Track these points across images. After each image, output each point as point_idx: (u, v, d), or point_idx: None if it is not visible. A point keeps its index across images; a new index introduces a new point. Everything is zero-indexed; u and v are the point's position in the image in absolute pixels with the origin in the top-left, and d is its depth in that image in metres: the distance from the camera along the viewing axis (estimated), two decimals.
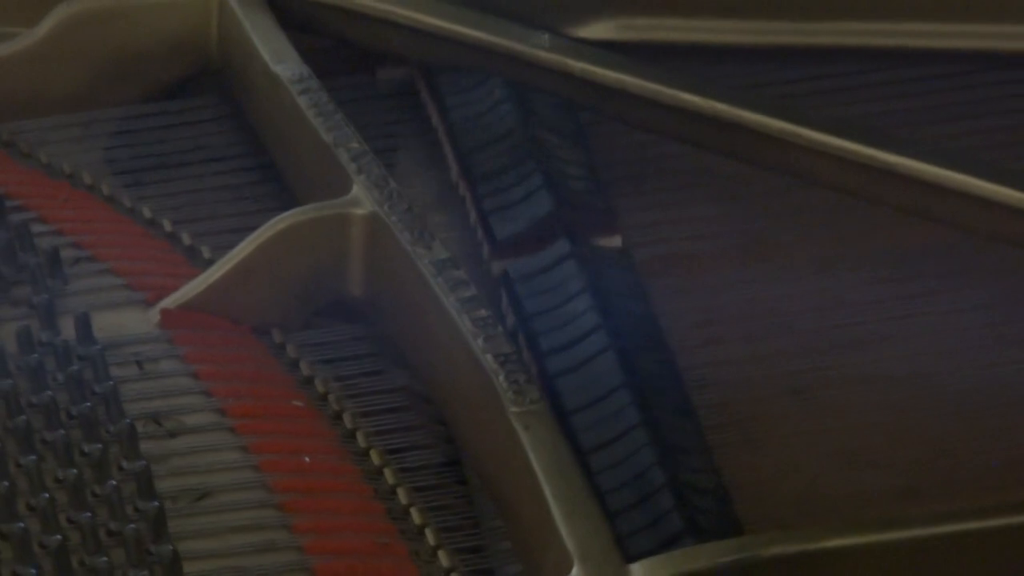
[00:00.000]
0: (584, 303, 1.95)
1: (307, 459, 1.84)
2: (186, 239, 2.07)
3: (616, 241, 2.05)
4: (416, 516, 1.80)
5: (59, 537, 1.72)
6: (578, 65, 2.12)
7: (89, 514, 1.74)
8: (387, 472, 1.84)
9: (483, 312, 1.85)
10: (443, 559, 1.76)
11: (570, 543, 1.65)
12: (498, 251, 2.04)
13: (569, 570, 1.63)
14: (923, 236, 2.05)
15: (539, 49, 2.14)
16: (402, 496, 1.82)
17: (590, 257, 2.01)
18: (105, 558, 1.71)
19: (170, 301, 1.97)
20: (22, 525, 1.73)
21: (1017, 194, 1.96)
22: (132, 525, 1.73)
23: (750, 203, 2.11)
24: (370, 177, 1.99)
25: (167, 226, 2.09)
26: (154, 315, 1.97)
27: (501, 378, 1.78)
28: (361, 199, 1.97)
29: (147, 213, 2.10)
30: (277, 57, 2.15)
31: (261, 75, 2.15)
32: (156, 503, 1.76)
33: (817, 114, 2.09)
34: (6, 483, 1.77)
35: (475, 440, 1.82)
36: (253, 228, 2.01)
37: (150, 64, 2.25)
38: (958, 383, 1.94)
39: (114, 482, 1.77)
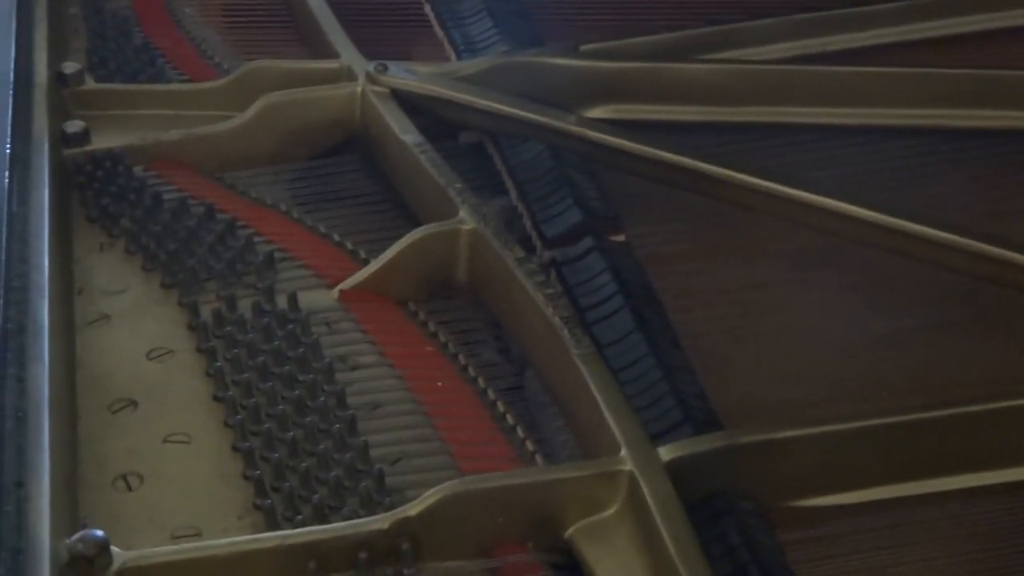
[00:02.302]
0: (606, 278, 1.95)
1: (440, 383, 1.86)
2: (349, 245, 2.07)
3: (622, 237, 2.06)
4: (510, 419, 1.81)
5: (291, 434, 1.74)
6: (594, 135, 2.14)
7: (309, 419, 1.76)
8: (489, 391, 1.85)
9: (551, 290, 1.87)
10: (529, 445, 1.77)
11: (618, 434, 1.66)
12: (548, 245, 2.03)
13: (619, 451, 1.65)
14: (812, 239, 2.06)
15: (569, 124, 2.15)
16: (500, 406, 1.82)
17: (606, 248, 2.01)
18: (321, 446, 1.72)
19: (345, 284, 1.97)
20: (266, 426, 1.74)
21: (873, 214, 2.00)
22: (337, 425, 1.75)
23: (701, 220, 2.12)
24: (470, 205, 2.00)
25: (336, 237, 2.09)
26: (335, 293, 1.97)
27: (565, 332, 1.80)
28: (466, 219, 1.98)
29: (322, 229, 2.10)
30: (403, 130, 2.15)
31: (394, 141, 2.15)
32: (350, 412, 1.77)
33: (743, 162, 2.11)
34: (252, 400, 1.78)
35: (551, 371, 1.83)
36: (389, 239, 2.01)
37: (317, 134, 2.24)
38: (834, 331, 1.96)
39: (322, 399, 1.79)
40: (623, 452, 1.64)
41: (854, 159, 2.24)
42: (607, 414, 1.69)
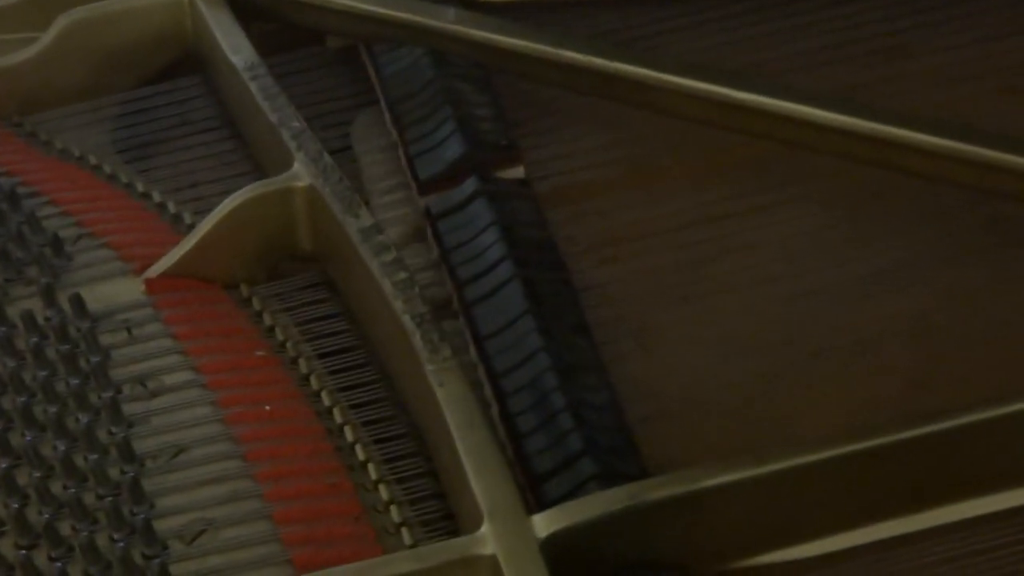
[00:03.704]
0: (492, 236, 1.44)
1: (268, 407, 1.36)
2: (172, 207, 1.56)
3: (519, 172, 1.53)
4: (360, 452, 1.31)
5: (46, 516, 1.25)
6: (478, 33, 1.59)
7: (72, 490, 1.27)
8: (336, 411, 1.35)
9: (402, 275, 1.35)
10: (384, 492, 1.28)
11: (480, 498, 1.17)
12: (422, 189, 1.52)
13: (479, 525, 1.16)
14: (778, 150, 1.53)
15: (446, 23, 1.61)
16: (349, 434, 1.33)
17: (497, 191, 1.49)
18: (92, 524, 1.25)
19: (153, 270, 1.47)
20: (16, 506, 1.26)
21: (838, 116, 1.46)
22: (108, 498, 1.26)
23: (631, 132, 1.59)
24: (308, 153, 1.48)
25: (156, 197, 1.58)
26: (141, 284, 1.47)
27: (417, 337, 1.29)
28: (301, 174, 1.46)
29: (140, 187, 1.59)
30: (234, 49, 1.62)
31: (223, 63, 1.63)
32: (132, 474, 1.28)
33: (673, 60, 1.56)
34: (6, 461, 1.30)
35: (405, 389, 1.33)
36: (230, 192, 1.50)
37: (141, 55, 1.72)
38: (812, 281, 1.44)
39: (96, 456, 1.29)
40: (484, 528, 1.14)
41: (827, 25, 1.69)
42: (466, 465, 1.18)
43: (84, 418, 1.32)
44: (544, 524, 1.14)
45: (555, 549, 1.13)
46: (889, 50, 1.65)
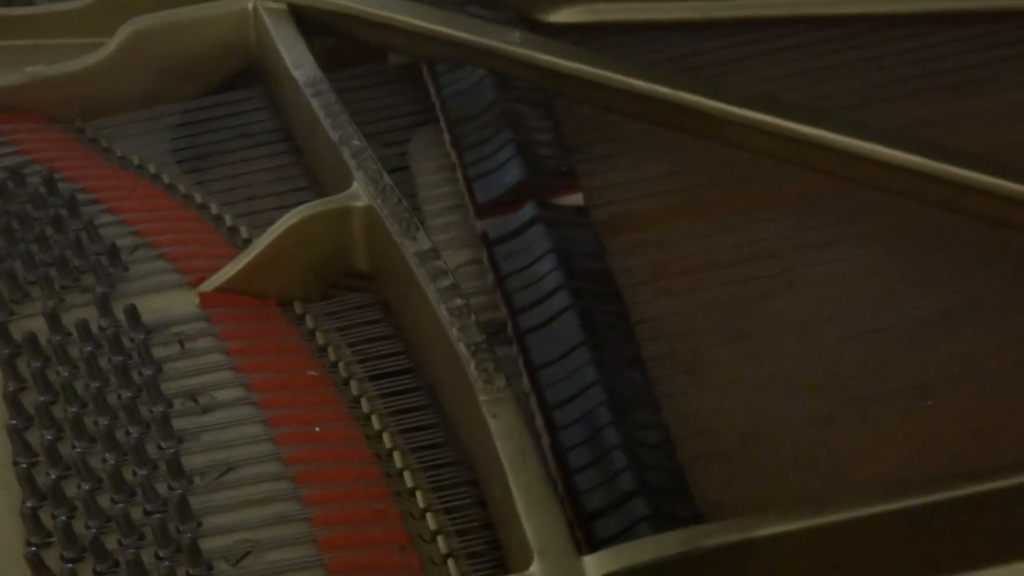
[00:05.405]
0: (549, 263, 1.41)
1: (317, 429, 1.33)
2: (229, 220, 1.54)
3: (578, 199, 1.50)
4: (409, 479, 1.28)
5: (93, 531, 1.23)
6: (543, 57, 1.56)
7: (121, 505, 1.25)
8: (385, 436, 1.32)
9: (459, 301, 1.32)
10: (431, 521, 1.25)
11: (531, 536, 1.13)
12: (480, 212, 1.49)
13: (529, 563, 1.13)
14: (838, 186, 1.50)
15: (511, 45, 1.58)
16: (397, 459, 1.30)
17: (555, 217, 1.46)
18: (139, 539, 1.22)
19: (208, 284, 1.45)
20: (62, 518, 1.24)
21: (909, 156, 1.43)
22: (156, 515, 1.24)
23: (691, 162, 1.56)
24: (367, 173, 1.45)
25: (214, 209, 1.56)
26: (196, 297, 1.45)
27: (472, 366, 1.26)
28: (360, 193, 1.43)
29: (198, 198, 1.57)
30: (296, 63, 1.59)
31: (285, 78, 1.60)
32: (180, 491, 1.26)
33: (737, 91, 1.53)
34: (57, 471, 1.28)
35: (457, 419, 1.30)
36: (287, 207, 1.48)
37: (204, 65, 1.70)
38: (870, 322, 1.41)
39: (145, 471, 1.27)
40: (534, 567, 1.11)
41: (900, 58, 1.65)
42: (518, 501, 1.15)
43: (135, 431, 1.30)
44: (595, 566, 1.11)
45: None
46: (963, 85, 1.61)
